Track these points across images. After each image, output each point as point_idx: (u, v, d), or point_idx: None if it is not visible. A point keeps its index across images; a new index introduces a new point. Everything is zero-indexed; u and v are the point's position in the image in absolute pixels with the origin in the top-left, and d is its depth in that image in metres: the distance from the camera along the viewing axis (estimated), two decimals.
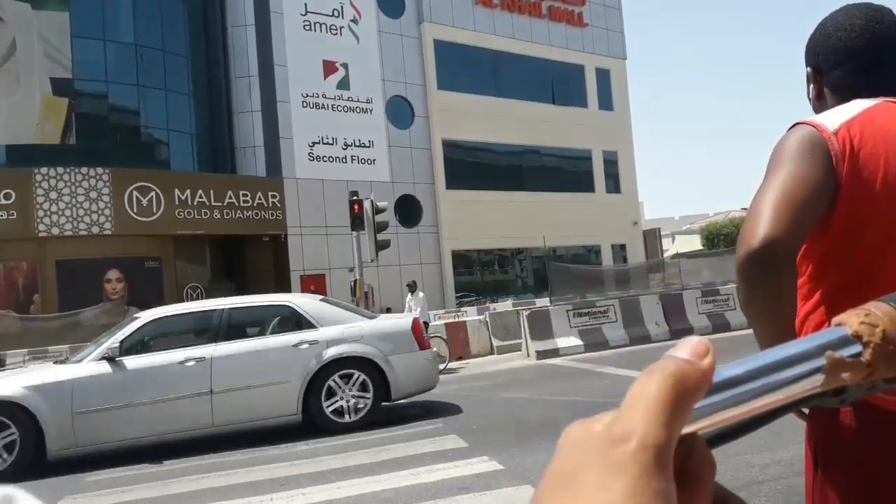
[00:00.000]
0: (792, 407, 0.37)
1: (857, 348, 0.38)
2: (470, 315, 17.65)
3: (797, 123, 1.30)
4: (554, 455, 0.30)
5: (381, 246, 13.29)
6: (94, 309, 17.22)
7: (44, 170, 19.44)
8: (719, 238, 42.23)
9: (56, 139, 21.05)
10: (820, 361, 0.37)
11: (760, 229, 1.18)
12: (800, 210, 1.19)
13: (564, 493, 0.28)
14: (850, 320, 0.39)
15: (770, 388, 0.35)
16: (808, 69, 1.43)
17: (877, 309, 0.40)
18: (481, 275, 28.04)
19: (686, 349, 0.31)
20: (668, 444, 0.28)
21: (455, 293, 25.86)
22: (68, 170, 19.62)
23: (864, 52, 1.34)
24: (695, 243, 45.72)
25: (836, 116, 1.27)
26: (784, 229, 1.17)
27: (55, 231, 19.47)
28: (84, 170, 19.78)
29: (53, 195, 19.49)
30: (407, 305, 12.22)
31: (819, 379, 0.36)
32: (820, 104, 1.41)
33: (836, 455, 1.24)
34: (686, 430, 0.30)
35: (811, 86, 1.43)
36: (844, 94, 1.35)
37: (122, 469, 6.35)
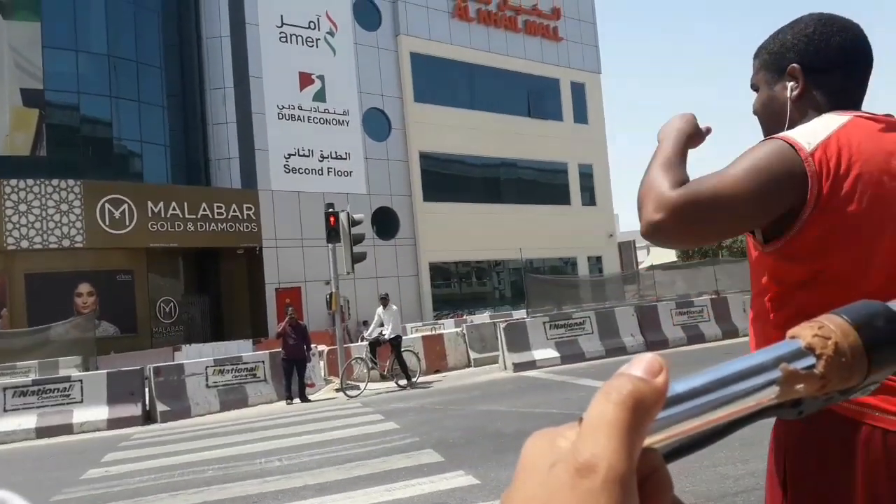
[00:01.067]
0: (750, 419, 0.38)
1: (810, 360, 0.39)
2: (447, 328, 17.63)
3: (772, 137, 1.27)
4: (518, 468, 0.31)
5: (357, 258, 13.23)
6: (64, 323, 16.88)
7: (13, 181, 19.07)
8: (694, 250, 42.74)
9: (26, 150, 20.68)
10: (775, 374, 0.37)
11: (654, 213, 1.22)
12: (713, 217, 1.21)
13: None
14: (804, 333, 0.40)
15: (725, 401, 0.35)
16: (795, 66, 1.34)
17: (829, 322, 0.40)
18: (459, 287, 28.05)
19: (640, 367, 0.32)
20: (631, 472, 0.29)
21: (433, 305, 25.82)
22: (39, 182, 19.28)
23: (864, 58, 1.34)
24: (669, 255, 46.20)
25: (811, 135, 1.23)
26: (676, 223, 1.21)
27: (24, 244, 19.09)
28: (55, 182, 19.45)
29: (23, 207, 19.12)
30: (377, 318, 12.14)
31: (774, 391, 0.37)
32: (800, 104, 1.34)
33: (806, 469, 1.22)
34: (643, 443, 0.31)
35: (790, 84, 1.35)
36: (834, 99, 1.32)
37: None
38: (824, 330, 0.40)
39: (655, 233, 1.23)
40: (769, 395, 0.37)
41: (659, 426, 0.33)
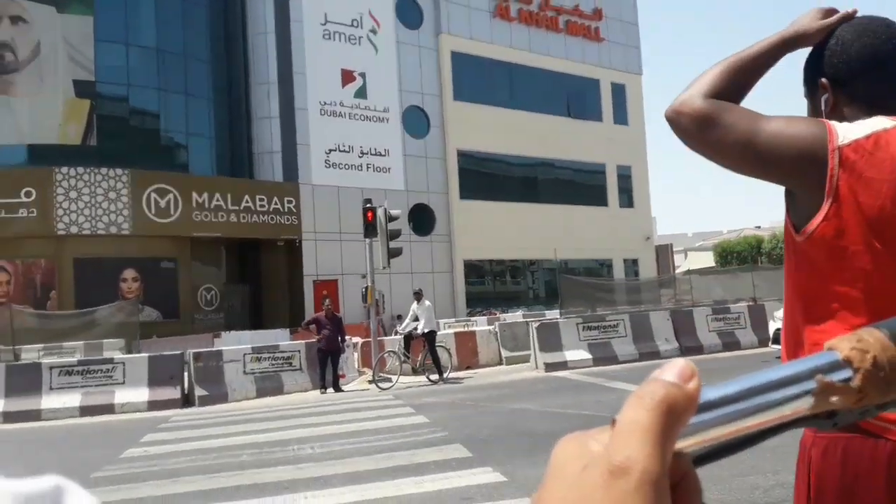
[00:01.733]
0: (783, 428, 0.38)
1: (847, 373, 0.39)
2: (480, 325, 17.69)
3: (821, 119, 1.27)
4: (549, 470, 0.32)
5: (393, 254, 13.38)
6: (109, 307, 17.42)
7: (64, 169, 19.75)
8: (732, 255, 41.98)
9: (77, 140, 21.40)
10: (810, 384, 0.37)
11: (679, 106, 1.30)
12: (721, 141, 1.26)
13: None
14: (842, 345, 0.40)
15: (758, 409, 0.35)
16: (823, 80, 1.33)
17: (868, 335, 0.41)
18: (493, 285, 28.06)
19: (672, 372, 0.33)
20: (664, 475, 0.30)
21: (466, 303, 25.90)
22: (88, 170, 19.92)
23: (892, 59, 1.28)
24: (707, 260, 45.44)
25: (853, 130, 1.21)
26: (688, 125, 1.28)
27: (74, 230, 19.75)
28: (104, 170, 20.07)
29: (73, 194, 19.79)
30: (412, 313, 12.26)
31: (808, 402, 0.37)
32: (836, 117, 1.30)
33: (829, 483, 1.22)
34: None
35: (823, 97, 1.33)
36: (868, 106, 1.28)
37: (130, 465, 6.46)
38: (863, 343, 0.40)
39: (671, 122, 1.33)
40: (803, 406, 0.37)
41: (690, 431, 0.33)
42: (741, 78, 1.34)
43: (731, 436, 0.36)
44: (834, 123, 1.23)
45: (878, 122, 1.22)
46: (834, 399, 0.38)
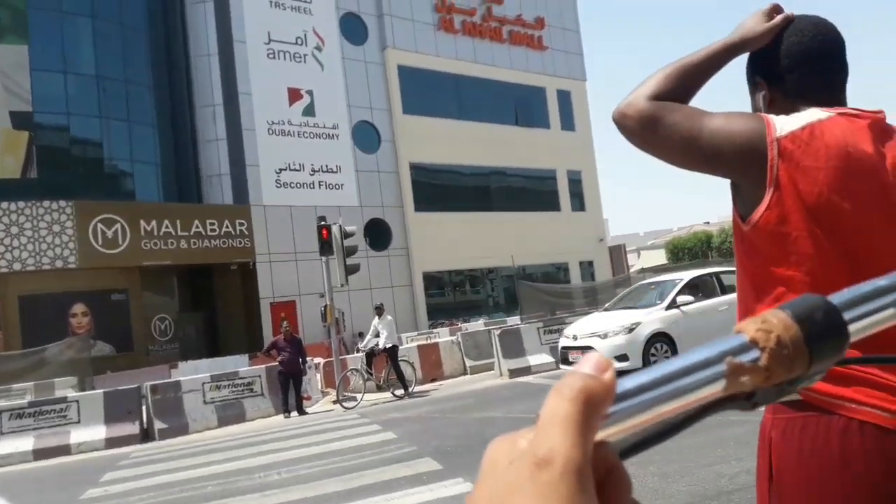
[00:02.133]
0: (705, 412, 0.40)
1: (755, 354, 0.41)
2: (442, 336, 17.70)
3: (759, 114, 1.33)
4: (481, 472, 0.33)
5: (350, 270, 13.31)
6: (58, 344, 16.83)
7: (4, 204, 19.06)
8: (683, 252, 43.04)
9: (17, 173, 20.68)
10: (721, 367, 0.39)
11: (626, 107, 1.35)
12: (666, 138, 1.32)
13: None
14: (748, 327, 0.43)
15: (673, 395, 0.37)
16: (758, 78, 1.42)
17: (773, 316, 0.43)
18: (453, 295, 28.12)
19: (588, 364, 0.34)
20: (587, 463, 0.31)
21: (427, 315, 25.88)
22: (30, 203, 19.28)
23: (819, 55, 1.35)
24: (660, 258, 46.48)
25: (789, 122, 1.28)
26: (634, 126, 1.34)
27: (17, 266, 19.06)
28: (46, 203, 19.46)
29: (14, 230, 19.11)
30: (373, 328, 12.21)
31: (721, 384, 0.39)
32: (774, 113, 1.36)
33: (788, 459, 1.26)
34: (596, 438, 0.33)
35: (759, 94, 1.41)
36: (799, 101, 1.35)
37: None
38: (767, 324, 0.43)
39: (618, 123, 1.38)
40: (717, 388, 0.39)
41: (611, 421, 0.35)
42: (687, 82, 1.39)
43: (651, 423, 0.37)
44: (771, 117, 1.30)
45: (813, 114, 1.29)
46: (744, 379, 0.39)
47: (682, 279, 11.38)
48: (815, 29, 1.37)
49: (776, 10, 1.42)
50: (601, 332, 10.65)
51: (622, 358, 10.12)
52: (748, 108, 1.48)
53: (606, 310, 12.07)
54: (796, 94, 1.37)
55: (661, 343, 10.46)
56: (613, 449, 0.35)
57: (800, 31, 1.37)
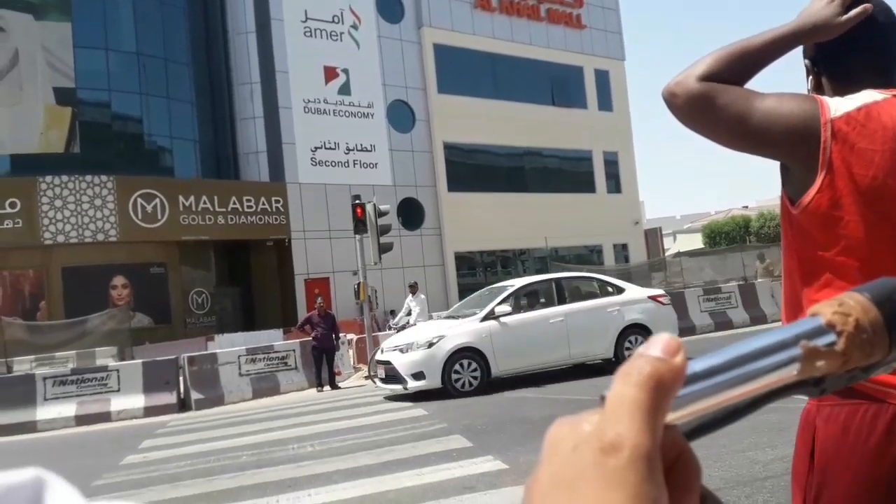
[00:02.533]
0: (772, 397, 0.38)
1: (831, 338, 0.39)
2: None
3: (812, 95, 1.31)
4: (543, 455, 0.32)
5: (383, 249, 13.37)
6: (100, 315, 17.31)
7: (48, 178, 19.56)
8: (721, 236, 42.17)
9: (60, 148, 21.19)
10: (795, 351, 0.37)
11: (675, 86, 1.32)
12: (716, 120, 1.28)
13: None
14: (824, 310, 0.41)
15: (744, 378, 0.36)
16: (806, 61, 1.40)
17: (850, 299, 0.41)
18: (484, 276, 28.08)
19: (658, 346, 0.33)
20: (655, 449, 0.30)
21: (459, 295, 25.92)
22: (73, 178, 19.75)
23: (866, 38, 1.31)
24: (696, 242, 45.64)
25: (844, 103, 1.25)
26: (683, 105, 1.30)
27: (60, 239, 19.59)
28: (88, 177, 19.91)
29: (58, 203, 19.62)
30: (406, 306, 12.28)
31: (795, 368, 0.37)
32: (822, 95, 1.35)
33: (832, 447, 1.24)
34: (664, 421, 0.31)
35: (809, 77, 1.40)
36: (845, 84, 1.32)
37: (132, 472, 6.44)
38: (845, 307, 0.40)
39: (667, 101, 1.34)
40: (790, 373, 0.37)
41: (679, 404, 0.33)
42: (743, 66, 1.33)
43: (720, 406, 0.35)
44: (825, 98, 1.27)
45: (869, 95, 1.26)
46: (819, 364, 0.38)
47: (513, 286, 10.23)
48: (874, 9, 1.32)
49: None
50: (403, 345, 9.60)
51: (419, 376, 9.16)
52: (802, 90, 1.44)
53: (452, 316, 10.77)
54: (842, 77, 1.34)
55: (468, 360, 9.33)
56: (679, 428, 0.34)
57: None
